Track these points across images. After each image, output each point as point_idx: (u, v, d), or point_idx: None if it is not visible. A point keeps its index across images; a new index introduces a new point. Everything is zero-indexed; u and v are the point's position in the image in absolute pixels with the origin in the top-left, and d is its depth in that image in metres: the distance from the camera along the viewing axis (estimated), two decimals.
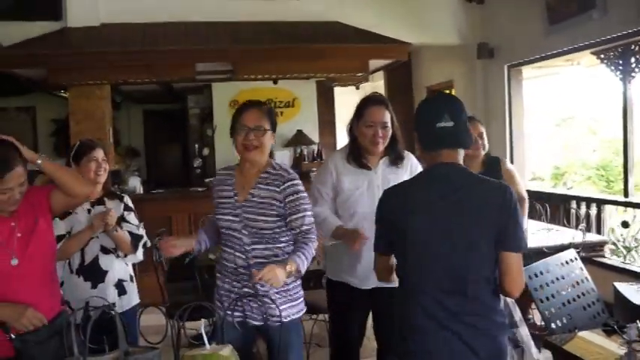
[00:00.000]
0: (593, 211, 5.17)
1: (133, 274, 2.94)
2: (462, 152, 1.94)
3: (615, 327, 2.26)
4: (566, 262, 2.66)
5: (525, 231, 3.52)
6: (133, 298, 2.88)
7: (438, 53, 7.35)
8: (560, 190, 7.35)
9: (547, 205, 5.10)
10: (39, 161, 2.15)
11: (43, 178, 5.39)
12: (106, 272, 2.76)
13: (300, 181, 2.36)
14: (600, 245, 4.26)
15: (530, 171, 7.75)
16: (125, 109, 9.43)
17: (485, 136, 3.43)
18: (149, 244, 2.93)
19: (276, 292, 2.32)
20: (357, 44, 5.71)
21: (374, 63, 6.44)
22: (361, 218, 2.63)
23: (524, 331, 2.36)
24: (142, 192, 5.65)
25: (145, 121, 9.75)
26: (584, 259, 4.16)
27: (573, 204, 5.38)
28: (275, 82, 6.84)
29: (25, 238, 2.14)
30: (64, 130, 6.93)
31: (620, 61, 4.78)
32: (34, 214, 2.21)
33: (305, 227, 2.32)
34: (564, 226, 4.95)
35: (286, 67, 5.78)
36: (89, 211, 2.75)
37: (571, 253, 2.75)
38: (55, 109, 8.18)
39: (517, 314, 2.42)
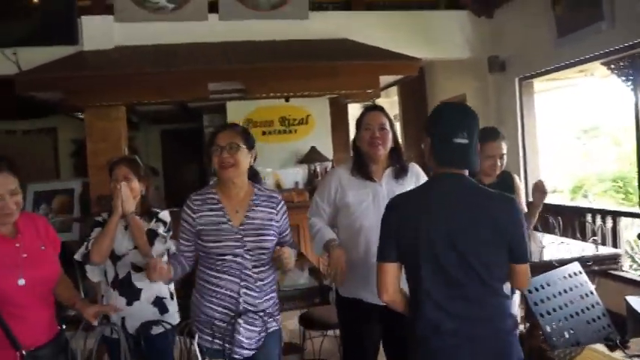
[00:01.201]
0: (609, 223, 5.10)
1: (173, 291, 2.88)
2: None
3: (617, 341, 2.22)
4: (569, 276, 2.64)
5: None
6: (174, 316, 2.82)
7: (451, 68, 7.38)
8: (575, 202, 7.25)
9: (560, 218, 5.05)
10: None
11: (61, 199, 5.54)
12: (140, 290, 2.73)
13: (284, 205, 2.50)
14: (614, 258, 4.18)
15: (550, 184, 7.67)
16: (143, 130, 9.60)
17: (505, 156, 3.34)
18: (173, 249, 2.72)
19: (270, 306, 2.41)
20: (367, 61, 5.76)
21: (385, 79, 6.48)
22: (367, 231, 2.60)
23: None
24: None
25: (162, 140, 9.91)
26: (598, 273, 4.14)
27: (589, 217, 5.31)
28: (287, 100, 6.90)
29: (31, 259, 2.20)
30: (83, 151, 7.09)
31: (631, 71, 4.75)
32: (40, 240, 2.28)
33: (289, 242, 2.49)
34: (578, 239, 4.88)
35: (297, 85, 5.84)
36: (125, 227, 2.72)
37: (575, 267, 2.72)
38: (75, 130, 8.36)
39: None
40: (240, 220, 2.35)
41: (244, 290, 2.32)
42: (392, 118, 2.77)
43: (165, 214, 2.82)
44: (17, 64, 5.38)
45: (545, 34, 5.45)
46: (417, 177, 2.75)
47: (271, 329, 2.41)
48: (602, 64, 5.02)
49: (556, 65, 5.53)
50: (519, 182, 3.60)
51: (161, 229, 2.76)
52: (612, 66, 4.92)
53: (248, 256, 2.32)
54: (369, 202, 2.65)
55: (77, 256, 2.69)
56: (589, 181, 8.30)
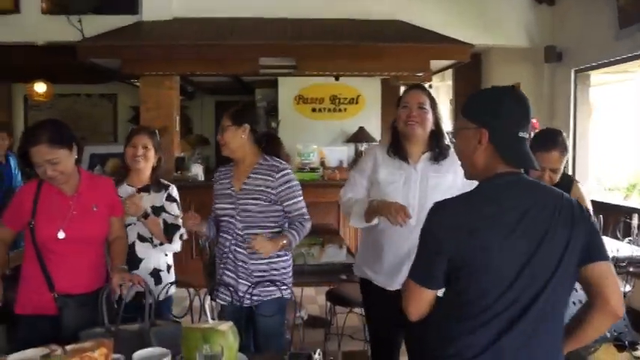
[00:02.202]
0: None
1: (171, 263, 2.99)
2: None
3: (626, 343, 2.21)
4: None
5: None
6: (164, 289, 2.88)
7: (507, 55, 7.20)
8: (628, 202, 6.99)
9: (601, 216, 4.91)
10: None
11: (114, 162, 5.80)
12: (141, 260, 2.83)
13: (291, 171, 2.65)
14: None
15: (606, 182, 7.44)
16: (199, 99, 9.87)
17: (560, 170, 2.83)
18: (186, 236, 2.93)
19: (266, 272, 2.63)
20: (417, 43, 5.72)
21: (438, 63, 6.42)
22: None
23: None
24: (203, 179, 5.91)
25: (216, 111, 10.16)
26: (634, 274, 4.04)
27: (635, 217, 5.14)
28: (337, 79, 6.95)
29: (80, 216, 2.38)
30: (139, 116, 7.38)
31: None
32: (96, 200, 2.45)
33: (298, 211, 2.64)
34: (619, 239, 4.75)
35: (347, 65, 5.88)
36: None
37: None
38: (134, 97, 8.69)
39: None
40: (240, 186, 2.64)
41: (234, 247, 2.62)
42: (434, 98, 2.58)
43: (175, 191, 2.99)
44: (81, 32, 5.66)
45: (606, 25, 5.26)
46: (458, 166, 2.45)
47: (268, 297, 2.61)
48: None
49: (615, 58, 5.33)
50: (582, 190, 3.06)
51: (175, 208, 2.92)
52: None
53: (239, 217, 2.61)
54: (399, 184, 2.51)
55: None
56: None
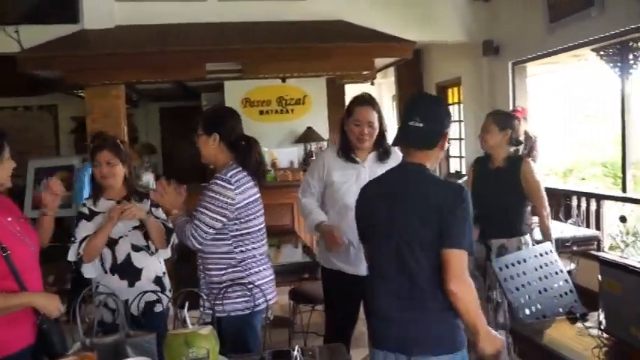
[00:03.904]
0: (594, 206, 5.25)
1: (165, 270, 2.94)
2: (433, 154, 2.05)
3: (578, 315, 2.39)
4: (541, 255, 2.79)
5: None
6: (169, 293, 2.89)
7: (447, 51, 7.46)
8: (560, 185, 7.39)
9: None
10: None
11: (61, 175, 5.66)
12: (140, 270, 2.77)
13: (217, 183, 2.50)
14: (594, 240, 4.35)
15: (546, 166, 7.82)
16: (143, 107, 9.72)
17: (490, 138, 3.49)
18: (176, 240, 2.86)
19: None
20: (363, 43, 5.85)
21: (381, 60, 6.57)
22: (349, 209, 2.65)
23: None
24: (155, 187, 5.85)
25: (161, 118, 10.03)
26: (578, 253, 4.31)
27: (574, 200, 5.46)
28: (283, 81, 7.01)
29: (23, 229, 2.28)
30: (82, 128, 7.22)
31: (618, 58, 4.85)
32: (15, 212, 2.35)
33: (194, 216, 2.58)
34: (562, 221, 5.05)
35: (293, 66, 5.93)
36: None
37: (546, 246, 2.88)
38: (75, 108, 8.49)
39: None
40: None
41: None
42: (380, 109, 3.01)
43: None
44: (19, 42, 5.48)
45: (538, 20, 5.54)
46: (397, 161, 2.87)
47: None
48: (592, 50, 5.13)
49: (548, 50, 5.63)
50: (530, 167, 3.47)
51: (162, 213, 2.86)
52: (601, 52, 5.03)
53: None
54: (351, 182, 2.92)
55: (71, 257, 2.72)
56: (581, 165, 8.44)
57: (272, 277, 2.71)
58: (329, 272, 3.07)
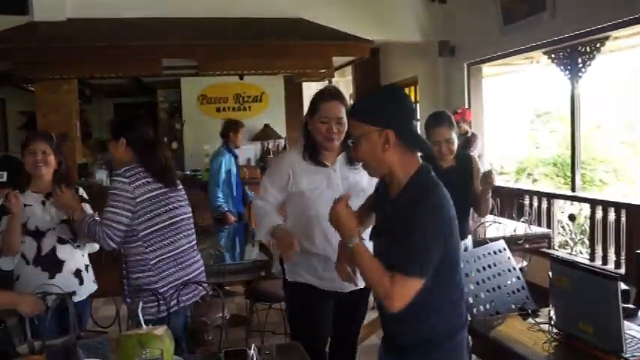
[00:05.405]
0: (545, 205, 5.40)
1: (88, 263, 2.96)
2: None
3: (529, 311, 2.45)
4: (494, 252, 2.84)
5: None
6: (90, 286, 2.92)
7: (404, 50, 7.54)
8: (513, 184, 7.58)
9: (499, 198, 5.32)
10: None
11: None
12: (63, 262, 2.79)
13: (117, 179, 2.53)
14: (545, 237, 4.47)
15: (499, 165, 8.01)
16: (96, 103, 9.48)
17: (453, 140, 3.22)
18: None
19: None
20: (321, 41, 5.86)
21: (339, 59, 6.61)
22: (322, 218, 2.27)
23: None
24: (108, 184, 5.72)
25: (115, 114, 9.78)
26: (530, 250, 4.42)
27: (526, 198, 5.61)
28: (241, 78, 6.97)
29: None
30: (33, 123, 6.99)
31: (568, 61, 5.00)
32: None
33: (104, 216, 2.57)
34: (514, 219, 5.17)
35: (251, 64, 5.92)
36: (43, 202, 2.79)
37: (499, 244, 2.92)
38: (24, 102, 8.22)
39: None
40: None
41: None
42: (347, 103, 2.59)
43: (84, 192, 2.96)
44: None
45: (492, 22, 5.66)
46: None
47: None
48: (544, 53, 5.27)
49: (502, 52, 5.76)
50: (478, 164, 3.50)
51: (89, 208, 2.85)
52: (552, 55, 5.17)
53: None
54: (323, 189, 2.52)
55: None
56: (532, 164, 8.68)
57: (194, 274, 2.71)
58: (297, 285, 2.61)
